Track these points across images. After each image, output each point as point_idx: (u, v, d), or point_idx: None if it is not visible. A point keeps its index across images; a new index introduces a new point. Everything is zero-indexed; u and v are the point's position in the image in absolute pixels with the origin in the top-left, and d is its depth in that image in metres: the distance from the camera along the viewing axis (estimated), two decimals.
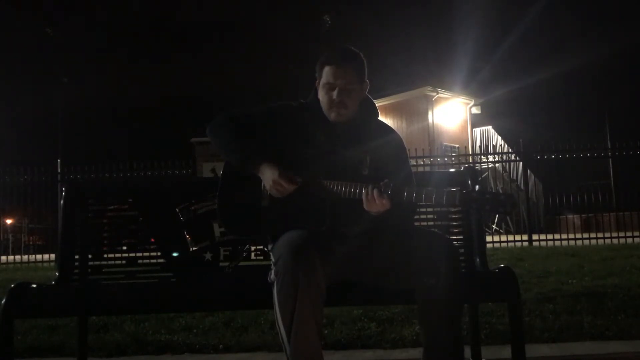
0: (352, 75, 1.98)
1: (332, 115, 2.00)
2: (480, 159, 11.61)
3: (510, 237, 10.04)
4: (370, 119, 2.09)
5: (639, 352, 2.64)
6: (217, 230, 2.38)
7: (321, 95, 2.02)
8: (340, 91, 1.96)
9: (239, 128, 2.00)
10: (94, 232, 2.47)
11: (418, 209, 2.23)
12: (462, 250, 2.31)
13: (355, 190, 1.83)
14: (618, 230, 10.12)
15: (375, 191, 1.77)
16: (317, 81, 2.04)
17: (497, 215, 11.64)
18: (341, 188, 1.86)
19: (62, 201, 2.42)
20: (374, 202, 1.78)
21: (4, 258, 10.69)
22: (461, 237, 2.36)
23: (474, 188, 1.73)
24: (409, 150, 2.22)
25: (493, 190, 1.76)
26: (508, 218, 13.13)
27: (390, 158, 2.03)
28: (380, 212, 1.81)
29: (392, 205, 1.78)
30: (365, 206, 1.80)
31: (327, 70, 1.98)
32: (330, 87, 1.97)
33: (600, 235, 9.62)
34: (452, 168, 10.90)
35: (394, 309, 3.33)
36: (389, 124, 2.20)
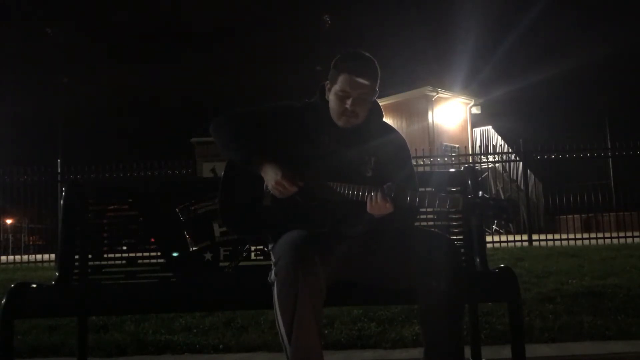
0: (369, 87, 1.95)
1: (341, 122, 1.98)
2: (480, 159, 11.61)
3: (510, 237, 10.03)
4: (375, 121, 2.08)
5: (639, 352, 2.64)
6: (217, 230, 2.37)
7: (333, 100, 1.98)
8: (354, 101, 1.94)
9: (243, 126, 2.00)
10: (94, 232, 2.47)
11: (420, 210, 2.23)
12: (462, 250, 2.31)
13: (358, 192, 1.83)
14: (618, 230, 10.12)
15: (379, 194, 1.77)
16: (327, 83, 2.01)
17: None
18: (344, 190, 1.86)
19: (62, 201, 2.42)
20: (377, 205, 1.78)
21: (4, 258, 10.68)
22: (461, 237, 2.36)
23: (477, 194, 1.73)
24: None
25: (495, 196, 1.77)
26: None
27: (392, 158, 2.03)
28: (383, 215, 1.81)
29: (395, 208, 1.78)
30: (368, 209, 1.80)
31: (344, 78, 1.94)
32: (345, 96, 1.94)
33: (600, 235, 9.62)
34: (452, 168, 10.90)
35: (394, 309, 3.33)
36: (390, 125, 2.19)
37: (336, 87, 1.96)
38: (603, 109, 22.42)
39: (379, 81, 2.00)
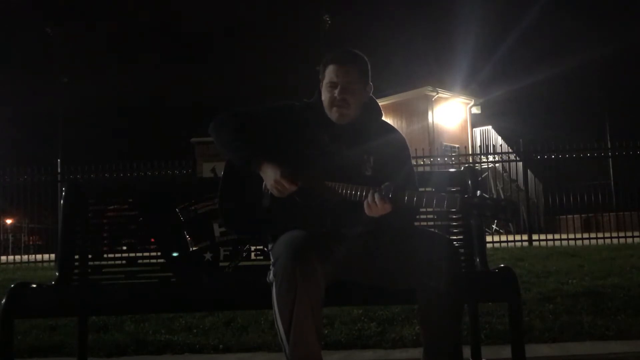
0: (354, 75, 1.98)
1: (334, 115, 1.99)
2: (480, 159, 11.61)
3: (510, 237, 10.03)
4: (374, 120, 2.09)
5: (639, 352, 2.64)
6: (217, 230, 2.37)
7: (324, 94, 2.02)
8: (342, 89, 1.96)
9: (242, 126, 2.00)
10: (94, 232, 2.47)
11: (420, 210, 2.23)
12: (462, 250, 2.31)
13: (356, 192, 1.83)
14: (618, 230, 10.11)
15: (376, 196, 1.77)
16: (321, 83, 2.04)
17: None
18: (343, 190, 1.86)
19: (62, 201, 2.42)
20: (375, 207, 1.78)
21: (4, 258, 10.68)
22: (461, 237, 2.36)
23: (475, 193, 1.73)
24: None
25: (494, 196, 1.77)
26: None
27: (392, 158, 2.03)
28: (381, 215, 1.81)
29: (393, 208, 1.78)
30: (366, 211, 1.80)
31: (330, 69, 1.99)
32: (332, 86, 1.98)
33: (600, 235, 9.61)
34: (452, 168, 10.90)
35: (394, 309, 3.33)
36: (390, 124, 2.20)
37: (325, 81, 2.00)
38: (603, 109, 22.43)
39: (368, 73, 2.03)
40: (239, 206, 2.01)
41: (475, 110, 20.62)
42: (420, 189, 1.93)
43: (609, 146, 11.74)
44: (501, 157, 11.99)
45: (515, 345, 1.92)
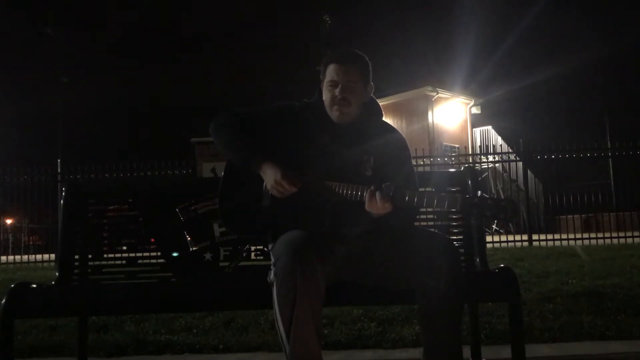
0: (355, 74, 1.98)
1: (334, 114, 2.00)
2: (480, 159, 11.61)
3: (510, 237, 10.03)
4: (374, 120, 2.09)
5: (639, 352, 2.64)
6: (217, 230, 2.38)
7: (324, 93, 2.02)
8: (343, 88, 1.96)
9: (242, 127, 2.00)
10: (94, 232, 2.47)
11: (420, 210, 2.23)
12: (462, 250, 2.31)
13: (357, 192, 1.83)
14: (618, 230, 10.11)
15: (377, 194, 1.77)
16: (321, 82, 2.04)
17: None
18: (343, 190, 1.86)
19: (62, 201, 2.43)
20: (376, 205, 1.78)
21: (4, 258, 10.67)
22: (461, 237, 2.36)
23: (476, 193, 1.73)
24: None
25: (494, 196, 1.78)
26: None
27: (392, 158, 2.03)
28: (382, 214, 1.81)
29: (394, 208, 1.78)
30: (367, 207, 1.80)
31: (331, 68, 1.99)
32: (333, 85, 1.98)
33: (600, 235, 9.62)
34: (452, 168, 10.90)
35: (394, 309, 3.33)
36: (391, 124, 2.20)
37: (326, 80, 2.01)
38: (603, 109, 22.45)
39: (369, 73, 2.03)
40: (239, 206, 2.01)
41: (475, 110, 20.62)
42: (421, 189, 1.92)
43: (609, 146, 11.73)
44: (501, 157, 11.98)
45: (515, 345, 1.92)
